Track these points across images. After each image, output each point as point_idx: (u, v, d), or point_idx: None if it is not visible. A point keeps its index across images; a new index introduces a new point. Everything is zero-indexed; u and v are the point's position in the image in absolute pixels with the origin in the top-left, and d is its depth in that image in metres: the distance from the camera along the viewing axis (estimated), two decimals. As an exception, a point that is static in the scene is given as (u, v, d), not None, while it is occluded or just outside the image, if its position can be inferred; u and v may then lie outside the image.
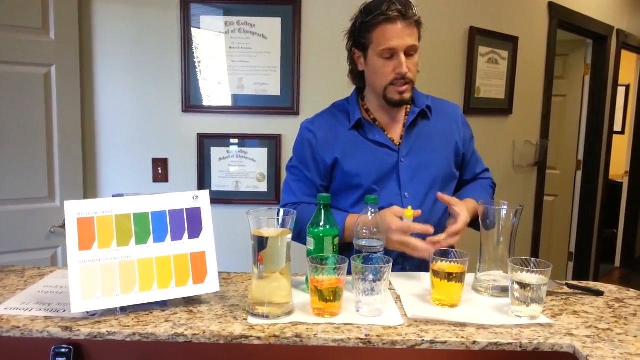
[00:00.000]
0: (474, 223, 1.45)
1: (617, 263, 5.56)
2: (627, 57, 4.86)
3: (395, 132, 1.57)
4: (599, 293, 1.32)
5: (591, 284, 1.39)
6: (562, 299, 1.29)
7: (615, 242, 5.40)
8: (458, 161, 1.63)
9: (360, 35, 1.49)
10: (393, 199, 1.51)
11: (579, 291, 1.34)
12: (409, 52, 1.45)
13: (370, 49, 1.47)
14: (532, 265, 1.16)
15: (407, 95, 1.50)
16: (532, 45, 3.43)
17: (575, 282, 1.38)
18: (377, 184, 1.53)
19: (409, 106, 1.59)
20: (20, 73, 2.10)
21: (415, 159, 1.55)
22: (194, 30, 2.38)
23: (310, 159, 1.57)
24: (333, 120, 1.59)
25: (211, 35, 2.39)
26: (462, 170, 1.67)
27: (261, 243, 1.13)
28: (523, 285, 1.14)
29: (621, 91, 5.43)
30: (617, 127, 5.45)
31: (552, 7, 3.54)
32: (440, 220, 1.53)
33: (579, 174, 4.50)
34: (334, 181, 1.58)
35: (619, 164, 5.31)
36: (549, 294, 1.31)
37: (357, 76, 1.59)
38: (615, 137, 4.85)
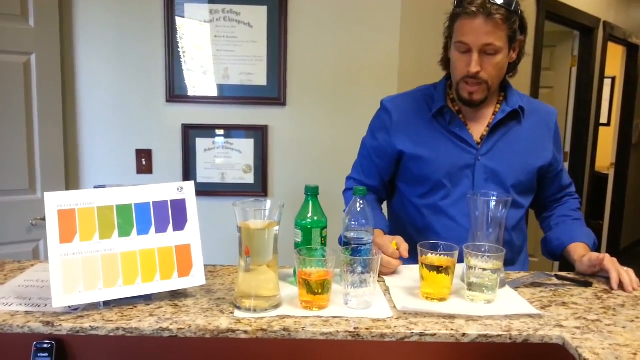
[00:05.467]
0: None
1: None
2: (613, 49, 4.88)
3: (478, 130, 1.48)
4: (587, 284, 1.32)
5: (580, 275, 1.39)
6: (551, 290, 1.29)
7: (601, 233, 5.44)
8: (543, 173, 1.53)
9: (448, 23, 1.44)
10: (464, 197, 1.44)
11: (568, 282, 1.33)
12: (487, 50, 1.34)
13: (452, 39, 1.41)
14: (486, 250, 1.19)
15: (477, 97, 1.41)
16: (520, 36, 3.42)
17: (564, 274, 1.38)
18: (448, 179, 1.47)
19: (498, 104, 1.49)
20: (-1, 61, 2.05)
21: (495, 160, 1.46)
22: (178, 19, 2.33)
23: (380, 140, 1.53)
24: (414, 104, 1.52)
25: (196, 24, 2.35)
26: (548, 183, 1.58)
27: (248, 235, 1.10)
28: (478, 271, 1.16)
29: (607, 83, 5.46)
30: (603, 119, 5.48)
31: (539, -2, 3.54)
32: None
33: (566, 165, 4.51)
34: (403, 169, 1.52)
35: (604, 156, 5.35)
36: (538, 285, 1.31)
37: (448, 62, 1.49)
38: (601, 129, 4.89)
